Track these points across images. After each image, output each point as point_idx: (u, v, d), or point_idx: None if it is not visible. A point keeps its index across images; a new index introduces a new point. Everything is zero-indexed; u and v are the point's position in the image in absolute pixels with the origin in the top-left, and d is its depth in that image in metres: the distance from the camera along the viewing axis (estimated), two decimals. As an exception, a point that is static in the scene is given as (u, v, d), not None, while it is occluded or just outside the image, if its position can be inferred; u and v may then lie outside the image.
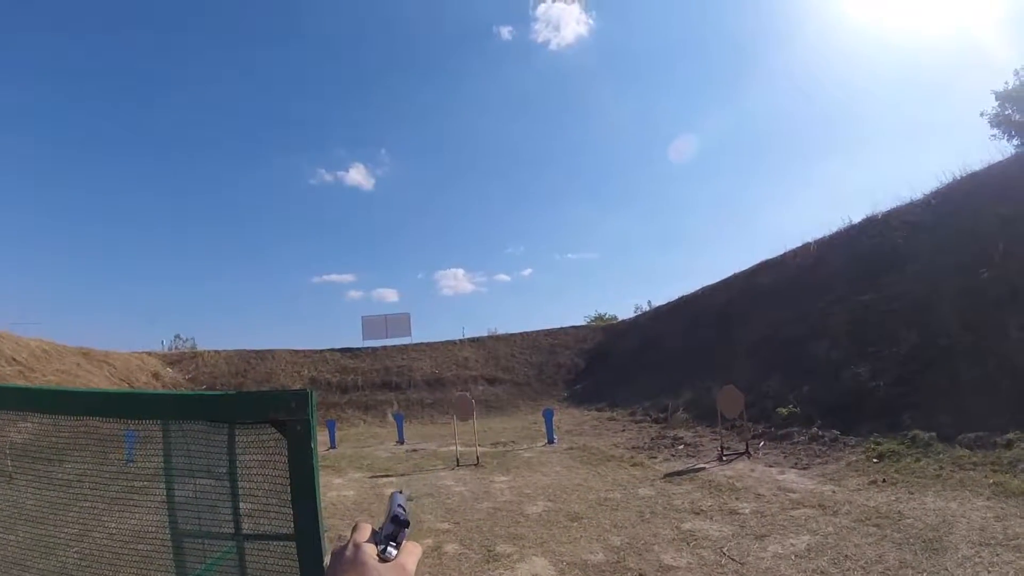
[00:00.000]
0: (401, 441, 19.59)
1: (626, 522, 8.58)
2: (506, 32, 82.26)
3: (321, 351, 34.47)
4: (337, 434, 20.32)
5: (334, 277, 76.60)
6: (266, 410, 2.27)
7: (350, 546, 0.80)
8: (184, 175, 78.63)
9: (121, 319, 60.56)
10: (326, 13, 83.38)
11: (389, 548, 0.81)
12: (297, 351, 34.30)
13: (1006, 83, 23.30)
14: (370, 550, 0.80)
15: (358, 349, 34.62)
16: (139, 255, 72.83)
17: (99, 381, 24.45)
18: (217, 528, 2.84)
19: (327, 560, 0.82)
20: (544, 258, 78.62)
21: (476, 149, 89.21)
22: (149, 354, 30.79)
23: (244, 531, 2.75)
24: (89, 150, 71.27)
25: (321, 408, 27.38)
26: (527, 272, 76.83)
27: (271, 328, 73.75)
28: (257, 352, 33.58)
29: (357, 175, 78.37)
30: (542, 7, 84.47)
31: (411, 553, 0.83)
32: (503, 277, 75.63)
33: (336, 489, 12.01)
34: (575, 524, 8.64)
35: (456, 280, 74.68)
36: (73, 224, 70.03)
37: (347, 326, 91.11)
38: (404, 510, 0.89)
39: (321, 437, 19.49)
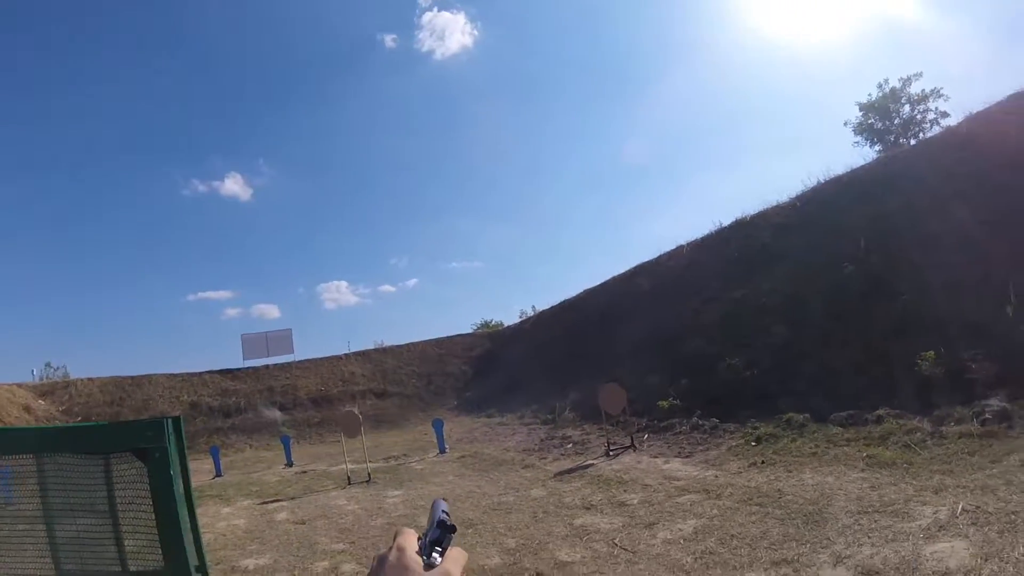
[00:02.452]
0: (290, 463, 18.68)
1: (520, 524, 8.47)
2: (390, 40, 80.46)
3: (200, 374, 32.23)
4: (222, 460, 19.11)
5: (210, 294, 72.13)
6: (125, 440, 2.27)
7: (394, 550, 0.77)
8: (41, 184, 70.93)
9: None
10: (198, 13, 78.81)
11: (434, 554, 0.77)
12: (175, 375, 31.97)
13: (869, 95, 25.37)
14: (415, 555, 0.76)
15: (239, 370, 32.56)
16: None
17: (-33, 417, 22.29)
18: (104, 568, 2.66)
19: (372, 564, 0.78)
20: (429, 268, 77.30)
21: (358, 158, 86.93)
22: (19, 386, 27.88)
23: (131, 569, 2.58)
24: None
25: (204, 434, 25.79)
26: (412, 282, 75.52)
27: (146, 351, 67.18)
28: (133, 378, 31.12)
29: (233, 185, 74.28)
30: (427, 16, 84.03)
31: (456, 560, 0.78)
32: (388, 288, 73.62)
33: (225, 519, 11.19)
34: (470, 531, 8.42)
35: (339, 293, 72.16)
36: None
37: (226, 346, 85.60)
38: (448, 516, 0.86)
39: (206, 464, 18.55)
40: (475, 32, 79.58)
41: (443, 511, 0.87)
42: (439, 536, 0.80)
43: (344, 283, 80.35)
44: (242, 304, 71.03)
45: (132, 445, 2.20)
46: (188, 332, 64.86)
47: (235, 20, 79.70)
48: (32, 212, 68.83)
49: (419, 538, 0.81)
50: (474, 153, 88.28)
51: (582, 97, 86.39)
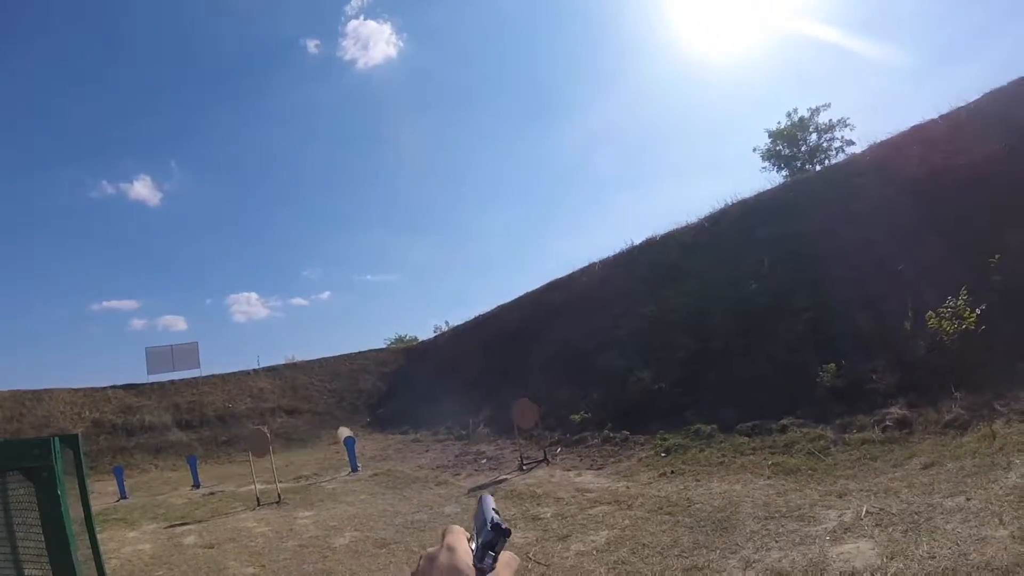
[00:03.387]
0: (196, 485, 17.83)
1: (434, 542, 8.09)
2: (312, 46, 78.11)
3: (103, 388, 30.46)
4: (127, 482, 18.12)
5: (115, 303, 67.68)
6: (10, 459, 2.18)
7: (444, 550, 0.75)
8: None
9: None
10: (112, 8, 74.22)
11: (487, 558, 0.75)
12: (77, 390, 30.03)
13: (779, 123, 26.45)
14: (467, 558, 0.74)
15: (143, 385, 31.00)
16: None
17: None
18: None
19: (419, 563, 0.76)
20: (343, 280, 75.47)
21: (273, 166, 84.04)
22: (-88, 400, 25.78)
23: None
24: None
25: (107, 453, 24.66)
26: (325, 295, 73.68)
27: (47, 362, 62.48)
28: (33, 392, 29.05)
29: (143, 189, 70.04)
30: (353, 24, 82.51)
31: (508, 565, 0.77)
32: (300, 301, 71.53)
33: (131, 544, 10.55)
34: (383, 551, 8.24)
35: (249, 305, 69.65)
36: None
37: (131, 359, 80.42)
38: (500, 516, 0.81)
39: (111, 487, 17.67)
40: (400, 43, 78.88)
41: (493, 509, 0.82)
42: (492, 539, 0.76)
43: (255, 295, 77.61)
44: (148, 315, 67.63)
45: (18, 464, 2.09)
46: (91, 343, 61.39)
47: (151, 17, 76.10)
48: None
49: (468, 538, 0.79)
50: (392, 165, 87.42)
51: (503, 114, 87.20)
